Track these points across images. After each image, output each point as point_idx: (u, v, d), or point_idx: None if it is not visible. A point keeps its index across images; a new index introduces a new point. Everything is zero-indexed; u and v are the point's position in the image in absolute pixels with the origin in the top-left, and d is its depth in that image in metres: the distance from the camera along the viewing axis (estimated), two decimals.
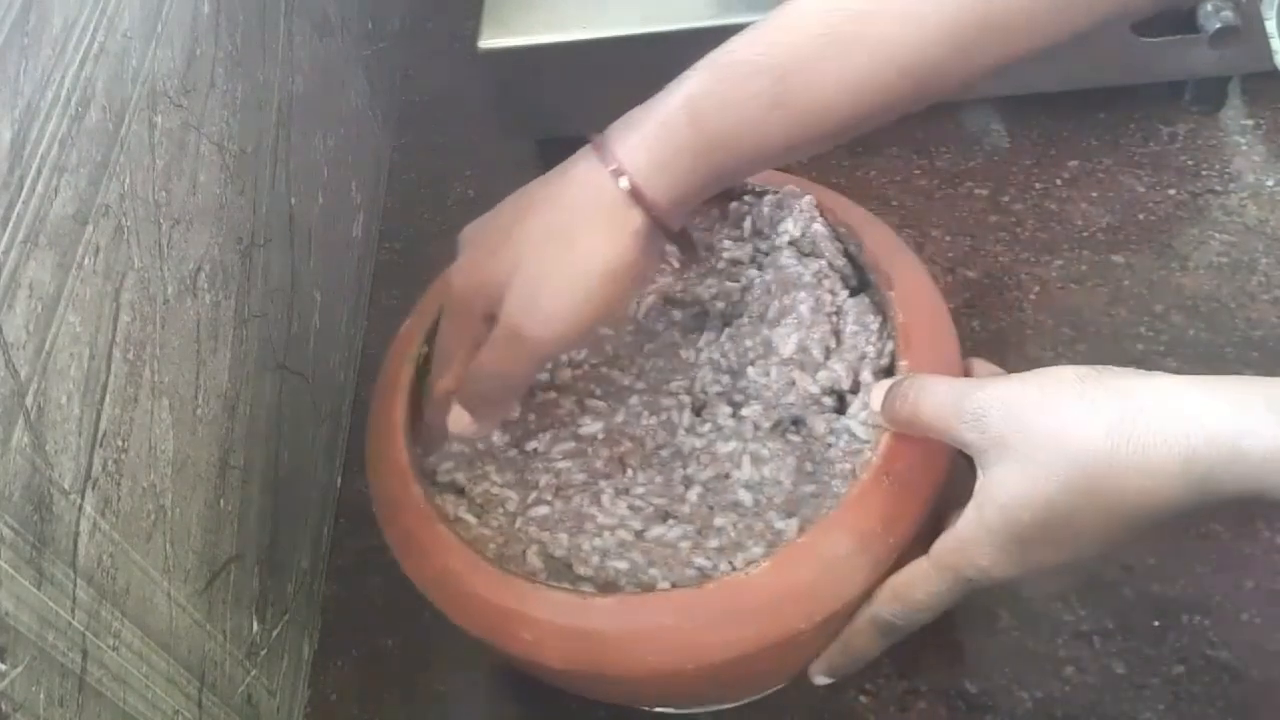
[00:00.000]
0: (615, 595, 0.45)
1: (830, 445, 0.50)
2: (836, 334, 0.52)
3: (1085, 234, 0.69)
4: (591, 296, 0.43)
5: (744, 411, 0.51)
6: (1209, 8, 0.66)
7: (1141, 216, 0.69)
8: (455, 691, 0.58)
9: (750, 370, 0.52)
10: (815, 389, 0.50)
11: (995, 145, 0.75)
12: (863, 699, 0.53)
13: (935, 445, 0.45)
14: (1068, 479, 0.39)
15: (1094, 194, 0.71)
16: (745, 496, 0.49)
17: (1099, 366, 0.41)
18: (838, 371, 0.50)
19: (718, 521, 0.48)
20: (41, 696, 0.36)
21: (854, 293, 0.53)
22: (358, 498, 0.65)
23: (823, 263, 0.53)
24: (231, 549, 0.51)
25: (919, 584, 0.44)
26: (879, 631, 0.46)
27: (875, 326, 0.51)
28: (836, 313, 0.52)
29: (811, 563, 0.44)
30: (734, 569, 0.46)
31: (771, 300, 0.53)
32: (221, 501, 0.50)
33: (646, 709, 0.54)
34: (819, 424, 0.50)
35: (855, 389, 0.50)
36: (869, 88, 0.43)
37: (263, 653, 0.54)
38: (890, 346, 0.50)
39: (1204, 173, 0.71)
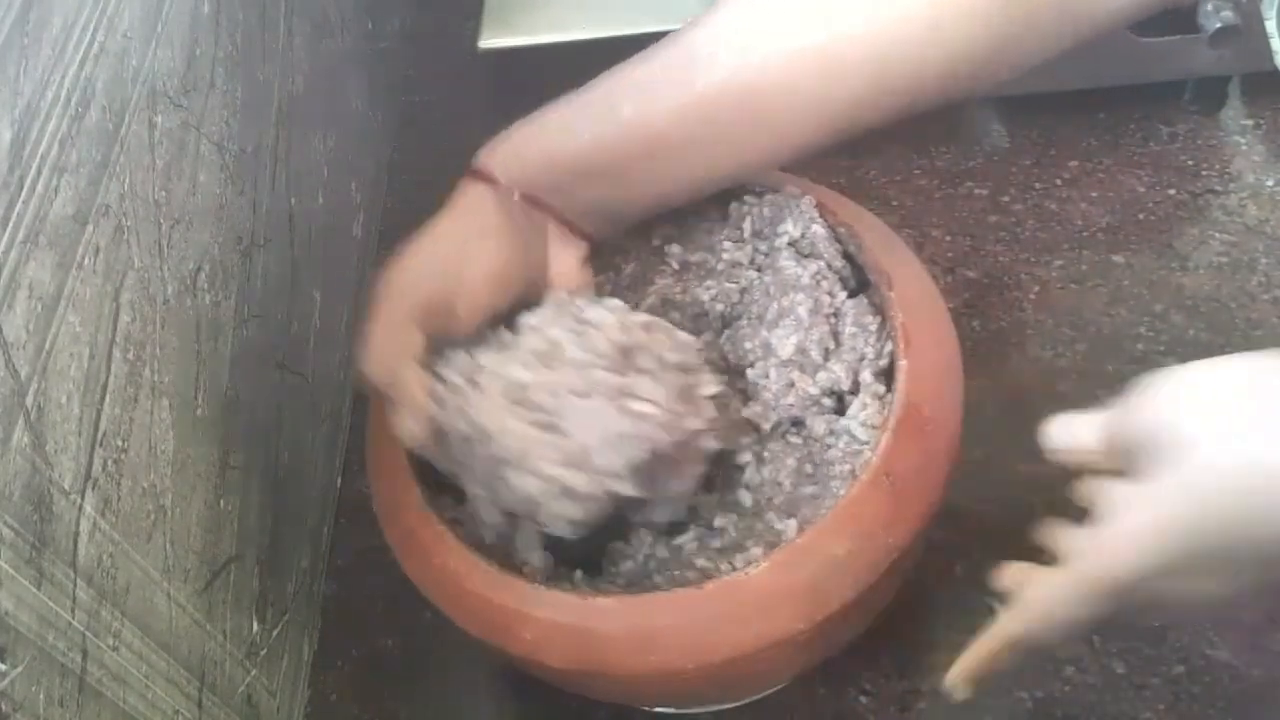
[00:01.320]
0: (615, 595, 0.45)
1: (830, 446, 0.50)
2: (835, 335, 0.52)
3: (1085, 234, 0.69)
4: (476, 259, 0.49)
5: (745, 413, 0.51)
6: (1209, 8, 0.66)
7: (1141, 216, 0.69)
8: (455, 691, 0.58)
9: (750, 372, 0.52)
10: (815, 390, 0.50)
11: (995, 145, 0.75)
12: (863, 699, 0.53)
13: (935, 446, 0.45)
14: (1221, 501, 0.36)
15: (1094, 194, 0.71)
16: (745, 497, 0.49)
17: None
18: (837, 373, 0.50)
19: (718, 522, 0.48)
20: (41, 696, 0.36)
21: (853, 294, 0.53)
22: (358, 498, 0.65)
23: (821, 264, 0.53)
24: (231, 549, 0.51)
25: (1059, 604, 0.40)
26: (1024, 649, 0.42)
27: (874, 328, 0.51)
28: (835, 314, 0.52)
29: (810, 563, 0.44)
30: (734, 569, 0.46)
31: (770, 302, 0.53)
32: (221, 501, 0.50)
33: (646, 709, 0.54)
34: (819, 425, 0.50)
35: (855, 390, 0.50)
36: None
37: (263, 653, 0.54)
38: (889, 347, 0.50)
39: (1204, 173, 0.71)
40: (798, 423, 0.51)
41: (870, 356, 0.51)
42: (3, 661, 0.35)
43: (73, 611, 0.38)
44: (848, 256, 0.54)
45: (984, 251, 0.69)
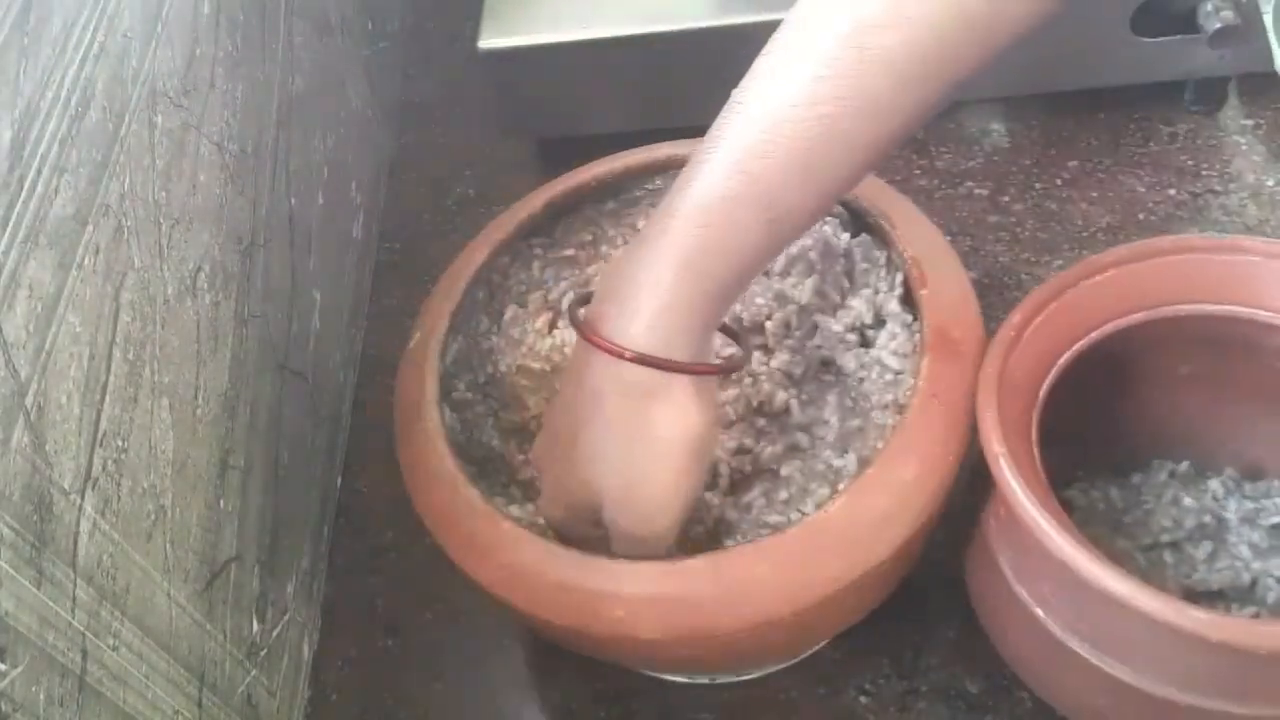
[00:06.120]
0: (702, 555, 0.44)
1: (864, 380, 0.51)
2: (848, 274, 0.53)
3: (1085, 234, 0.69)
4: (679, 471, 0.43)
5: (773, 363, 0.52)
6: (1209, 8, 0.66)
7: (1141, 216, 0.69)
8: (455, 691, 0.58)
9: (768, 325, 0.52)
10: (839, 328, 0.51)
11: (995, 145, 0.75)
12: (863, 699, 0.53)
13: (968, 366, 0.46)
14: None
15: (1094, 194, 0.71)
16: (801, 438, 0.50)
17: None
18: (858, 308, 0.51)
19: (784, 470, 0.49)
20: (41, 696, 0.36)
21: (854, 236, 0.55)
22: (358, 498, 0.65)
23: None
24: (231, 549, 0.51)
25: None
26: None
27: (883, 260, 0.53)
28: (845, 254, 0.54)
29: (883, 492, 0.44)
30: (804, 515, 0.46)
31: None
32: (221, 501, 0.50)
33: (686, 679, 0.54)
34: (849, 361, 0.51)
35: (877, 324, 0.52)
36: (840, 178, 0.42)
37: (263, 653, 0.54)
38: (900, 277, 0.52)
39: (1204, 173, 0.71)
40: (827, 363, 0.52)
41: (885, 290, 0.52)
42: (3, 661, 0.35)
43: (73, 611, 0.38)
44: (844, 203, 0.55)
45: (984, 251, 0.69)
